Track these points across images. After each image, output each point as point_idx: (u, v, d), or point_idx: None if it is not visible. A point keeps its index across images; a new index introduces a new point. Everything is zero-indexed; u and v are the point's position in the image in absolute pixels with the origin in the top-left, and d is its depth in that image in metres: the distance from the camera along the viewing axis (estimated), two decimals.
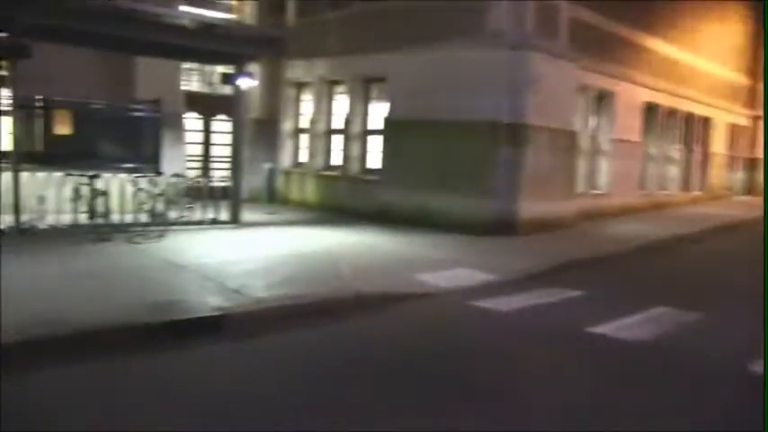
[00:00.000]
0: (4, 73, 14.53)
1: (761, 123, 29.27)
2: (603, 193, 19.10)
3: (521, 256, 12.08)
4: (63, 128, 14.79)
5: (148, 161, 15.79)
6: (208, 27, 13.27)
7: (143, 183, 12.74)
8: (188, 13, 14.60)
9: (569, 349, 7.25)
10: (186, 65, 19.05)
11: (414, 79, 15.87)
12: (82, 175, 12.45)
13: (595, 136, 19.02)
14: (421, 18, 15.73)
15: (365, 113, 17.82)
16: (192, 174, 18.28)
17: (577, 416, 5.44)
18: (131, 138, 15.75)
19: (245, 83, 14.22)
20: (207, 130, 19.97)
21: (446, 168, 15.13)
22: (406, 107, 16.06)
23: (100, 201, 12.20)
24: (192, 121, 19.52)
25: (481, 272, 10.59)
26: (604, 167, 19.17)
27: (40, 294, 7.77)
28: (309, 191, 19.07)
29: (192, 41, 13.18)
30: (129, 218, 12.70)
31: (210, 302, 7.76)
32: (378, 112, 17.45)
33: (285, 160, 19.99)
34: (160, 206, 12.45)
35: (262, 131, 20.04)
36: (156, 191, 12.68)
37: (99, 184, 12.31)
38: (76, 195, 12.36)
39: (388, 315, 8.33)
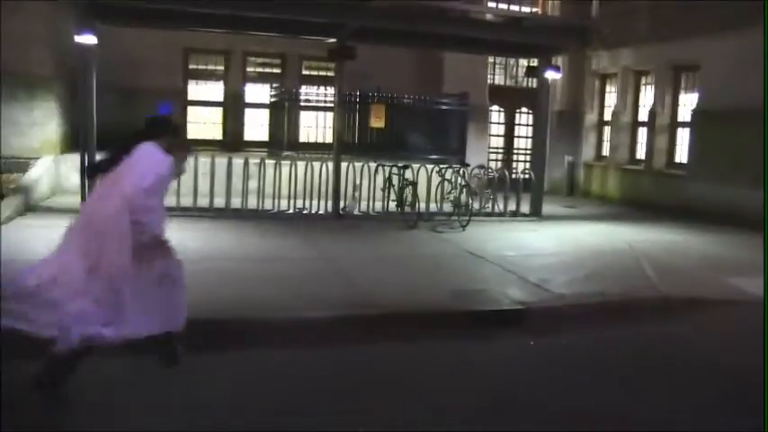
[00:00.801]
0: (331, 74, 16.02)
1: None
2: None
3: None
4: (377, 121, 15.84)
5: (454, 152, 16.44)
6: (515, 20, 13.55)
7: (449, 173, 13.28)
8: (495, 8, 14.93)
9: None
10: (490, 59, 19.46)
11: (729, 65, 14.83)
12: (393, 166, 13.33)
13: None
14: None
15: (673, 104, 16.99)
16: (496, 165, 18.75)
17: None
18: (439, 130, 16.48)
19: (551, 75, 14.26)
20: (510, 123, 20.25)
21: (762, 162, 14.00)
22: (720, 96, 15.07)
23: (408, 190, 12.94)
24: (495, 113, 19.91)
25: None
26: None
27: (356, 275, 8.47)
28: (611, 185, 18.63)
29: (499, 35, 13.52)
30: (434, 207, 13.32)
31: (511, 295, 7.92)
32: (687, 103, 16.57)
33: (587, 153, 19.70)
34: (464, 197, 12.88)
35: (564, 124, 19.91)
36: (461, 182, 13.16)
37: (408, 174, 13.06)
38: (388, 184, 13.27)
39: (697, 321, 7.92)
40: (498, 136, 20.11)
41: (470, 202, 12.83)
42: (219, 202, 12.22)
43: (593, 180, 19.25)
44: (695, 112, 15.95)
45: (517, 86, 20.26)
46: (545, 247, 11.02)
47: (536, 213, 14.25)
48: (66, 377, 4.75)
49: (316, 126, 17.12)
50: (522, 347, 6.82)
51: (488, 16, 13.40)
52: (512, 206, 14.11)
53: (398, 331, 6.73)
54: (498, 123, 20.02)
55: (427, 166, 13.46)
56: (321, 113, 17.05)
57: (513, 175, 15.39)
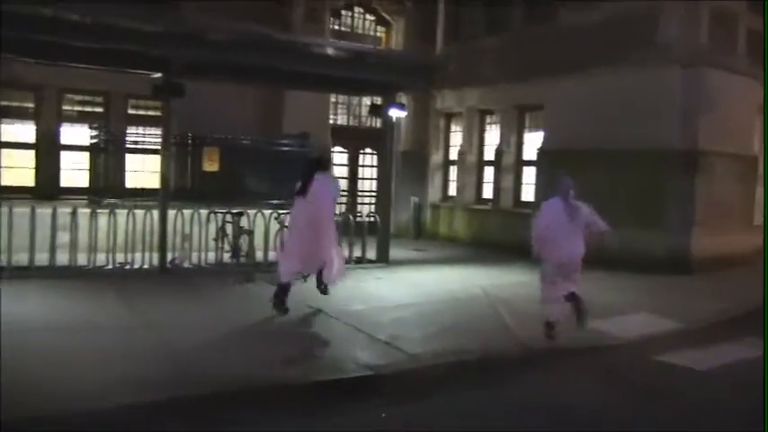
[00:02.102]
0: (158, 113, 14.65)
1: None
2: None
3: (702, 299, 10.70)
4: (210, 164, 14.58)
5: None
6: (358, 55, 12.62)
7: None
8: (337, 42, 14.08)
9: None
10: (332, 98, 18.71)
11: (573, 106, 14.73)
12: (226, 213, 12.08)
13: None
14: (582, 40, 14.56)
15: (519, 144, 16.76)
16: (339, 209, 17.87)
17: None
18: (279, 173, 15.34)
19: (395, 113, 13.50)
20: (354, 164, 19.46)
21: (609, 201, 13.81)
22: (565, 136, 14.91)
23: (243, 239, 11.72)
24: (339, 155, 19.10)
25: (662, 318, 9.36)
26: None
27: (181, 345, 7.19)
28: (458, 226, 18.14)
29: (342, 71, 12.53)
30: (273, 256, 12.17)
31: (359, 358, 6.92)
32: (532, 143, 16.36)
33: (433, 194, 19.16)
34: None
35: (409, 164, 19.31)
36: None
37: (244, 222, 11.86)
38: (221, 233, 11.99)
39: (565, 371, 7.22)
40: (342, 178, 19.25)
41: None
42: (23, 258, 10.45)
43: (441, 221, 18.71)
44: (540, 151, 15.72)
45: (360, 126, 19.56)
46: (395, 298, 10.10)
47: (383, 259, 13.35)
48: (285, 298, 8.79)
49: (143, 170, 15.55)
50: (373, 421, 5.79)
51: (330, 50, 12.46)
52: (357, 252, 13.16)
53: (227, 412, 5.56)
54: (341, 165, 19.20)
55: (265, 211, 12.27)
56: (152, 156, 15.50)
57: (358, 219, 14.48)
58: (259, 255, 11.80)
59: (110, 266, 11.15)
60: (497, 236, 16.54)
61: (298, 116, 16.88)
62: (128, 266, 11.24)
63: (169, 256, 11.69)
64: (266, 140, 15.67)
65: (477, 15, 17.89)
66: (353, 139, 19.32)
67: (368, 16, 19.27)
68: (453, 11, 18.62)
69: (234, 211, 12.05)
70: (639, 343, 8.29)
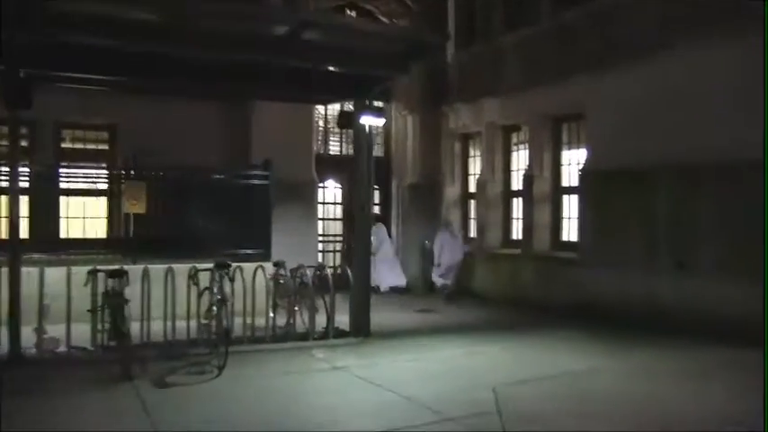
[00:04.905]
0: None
1: None
2: None
3: None
4: (133, 205, 10.73)
5: (255, 245, 11.49)
6: (301, 25, 8.12)
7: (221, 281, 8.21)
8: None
9: None
10: (320, 123, 14.99)
11: (624, 109, 10.70)
12: (113, 271, 8.16)
13: None
14: (635, 17, 10.59)
15: (555, 165, 12.67)
16: (325, 259, 14.03)
17: None
18: (222, 214, 11.42)
19: (368, 121, 9.32)
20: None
21: (684, 237, 9.74)
22: (615, 151, 10.86)
23: (126, 310, 7.75)
24: (332, 190, 15.29)
25: None
26: None
27: None
28: (480, 277, 13.98)
29: (279, 56, 8.39)
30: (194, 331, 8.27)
31: None
32: (573, 163, 12.31)
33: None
34: (223, 318, 7.79)
35: (419, 200, 15.32)
36: (217, 293, 8.00)
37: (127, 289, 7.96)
38: (101, 302, 8.06)
39: None
40: (335, 219, 15.36)
41: (226, 324, 7.74)
42: None
43: (460, 272, 14.53)
44: (583, 174, 11.66)
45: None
46: (350, 421, 5.99)
47: (359, 330, 9.27)
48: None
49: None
50: None
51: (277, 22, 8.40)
52: (331, 320, 9.15)
53: None
54: (334, 203, 15.32)
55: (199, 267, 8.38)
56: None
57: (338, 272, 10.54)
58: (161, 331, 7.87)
59: None
60: (531, 290, 12.44)
61: (269, 142, 13.12)
62: None
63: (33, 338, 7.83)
64: (212, 172, 11.80)
65: (495, 8, 14.00)
66: (350, 171, 15.52)
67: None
68: (467, 4, 14.80)
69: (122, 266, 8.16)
70: None
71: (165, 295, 8.27)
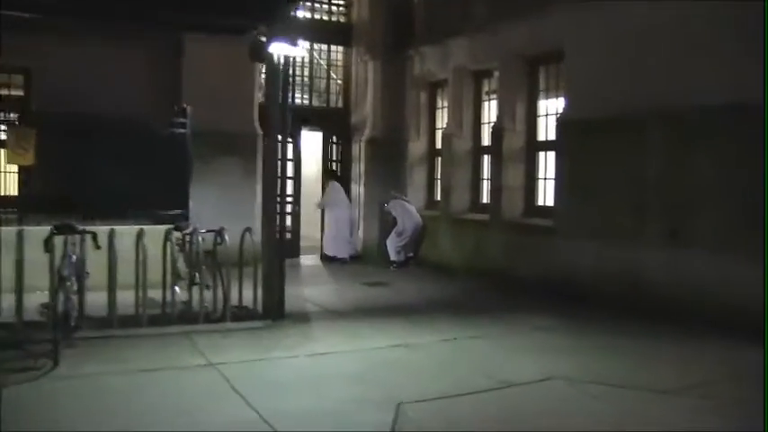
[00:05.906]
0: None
1: None
2: None
3: None
4: (17, 156, 8.91)
5: (168, 205, 9.70)
6: None
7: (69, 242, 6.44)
8: None
9: None
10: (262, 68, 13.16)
11: (610, 46, 8.85)
12: None
13: None
14: None
15: (530, 117, 10.80)
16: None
17: None
18: (136, 170, 9.55)
19: (281, 50, 7.40)
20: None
21: (677, 199, 7.96)
22: (600, 96, 9.01)
23: None
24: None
25: None
26: None
27: None
28: (445, 244, 12.17)
29: None
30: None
31: None
32: (550, 114, 10.45)
33: (414, 197, 13.18)
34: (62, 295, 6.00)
35: (380, 157, 13.47)
36: (65, 264, 6.23)
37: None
38: None
39: None
40: (290, 179, 13.54)
41: (64, 307, 5.94)
42: None
43: (424, 238, 12.75)
44: (560, 126, 9.82)
45: (330, 107, 14.03)
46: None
47: (269, 312, 7.47)
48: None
49: None
50: None
51: None
52: (242, 297, 7.40)
53: None
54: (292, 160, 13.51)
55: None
56: None
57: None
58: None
59: None
60: (500, 262, 10.65)
61: (203, 91, 11.37)
62: None
63: None
64: (117, 120, 9.84)
65: None
66: (318, 125, 13.76)
67: None
68: None
69: None
70: None
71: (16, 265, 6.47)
